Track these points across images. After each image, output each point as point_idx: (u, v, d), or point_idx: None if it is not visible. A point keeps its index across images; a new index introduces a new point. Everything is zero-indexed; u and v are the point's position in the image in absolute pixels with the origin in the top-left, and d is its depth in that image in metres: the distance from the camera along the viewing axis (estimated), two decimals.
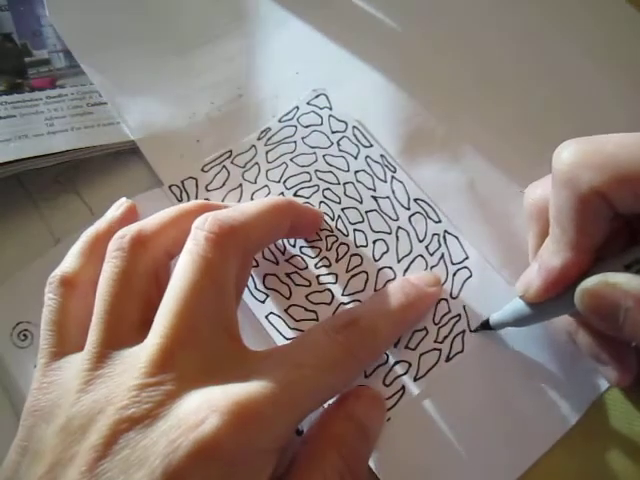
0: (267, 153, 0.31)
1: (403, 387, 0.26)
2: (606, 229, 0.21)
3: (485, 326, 0.26)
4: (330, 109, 0.32)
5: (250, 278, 0.28)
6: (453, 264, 0.28)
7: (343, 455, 0.22)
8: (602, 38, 0.34)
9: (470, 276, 0.28)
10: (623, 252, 0.21)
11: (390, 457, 0.25)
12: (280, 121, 0.32)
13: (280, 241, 0.29)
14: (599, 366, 0.25)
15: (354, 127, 0.31)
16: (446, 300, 0.27)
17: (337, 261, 0.28)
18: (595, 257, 0.21)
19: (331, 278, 0.28)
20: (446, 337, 0.27)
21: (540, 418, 0.25)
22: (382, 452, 0.25)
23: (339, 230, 0.29)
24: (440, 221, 0.29)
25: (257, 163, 0.31)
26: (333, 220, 0.29)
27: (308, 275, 0.28)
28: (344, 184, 0.30)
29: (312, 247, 0.29)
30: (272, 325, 0.27)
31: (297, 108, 0.32)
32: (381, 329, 0.24)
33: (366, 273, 0.28)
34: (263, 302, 0.28)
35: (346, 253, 0.28)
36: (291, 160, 0.31)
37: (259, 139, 0.31)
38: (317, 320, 0.27)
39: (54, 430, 0.20)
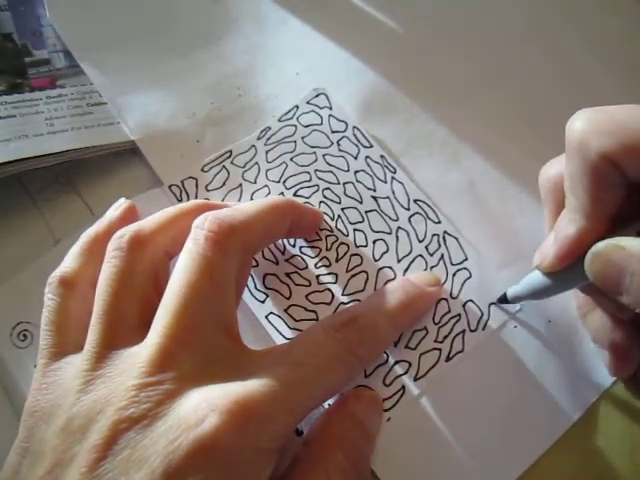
0: (267, 153, 0.31)
1: (403, 387, 0.26)
2: (619, 196, 0.21)
3: (503, 300, 0.26)
4: (330, 109, 0.32)
5: (250, 278, 0.28)
6: (453, 265, 0.28)
7: (347, 455, 0.22)
8: (607, 35, 0.34)
9: (470, 277, 0.28)
10: (637, 219, 0.21)
11: (390, 457, 0.25)
12: (280, 120, 0.32)
13: (280, 241, 0.29)
14: (602, 352, 0.26)
15: (354, 127, 0.31)
16: (446, 300, 0.27)
17: (337, 261, 0.28)
18: (610, 226, 0.21)
19: (331, 278, 0.28)
20: (446, 337, 0.27)
21: (540, 417, 0.25)
22: (382, 452, 0.25)
23: (339, 230, 0.29)
24: (440, 222, 0.29)
25: (257, 163, 0.31)
26: (333, 220, 0.29)
27: (308, 275, 0.28)
28: (344, 184, 0.30)
29: (312, 247, 0.29)
30: (272, 325, 0.27)
31: (297, 107, 0.32)
32: (381, 327, 0.24)
33: (366, 273, 0.28)
34: (263, 302, 0.28)
35: (346, 253, 0.28)
36: (291, 160, 0.31)
37: (259, 139, 0.31)
38: (317, 320, 0.27)
39: (54, 431, 0.20)
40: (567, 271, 0.22)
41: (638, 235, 0.20)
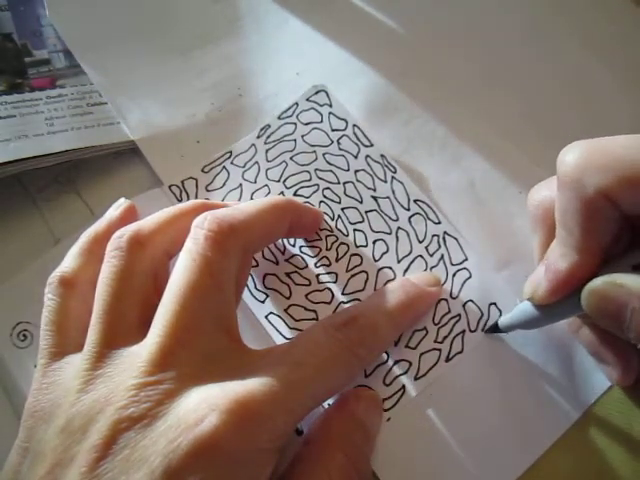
0: (267, 152, 0.31)
1: (403, 387, 0.26)
2: (613, 231, 0.21)
3: (495, 329, 0.26)
4: (330, 106, 0.32)
5: (250, 278, 0.28)
6: (453, 265, 0.28)
7: (348, 455, 0.22)
8: (606, 37, 0.34)
9: (469, 277, 0.28)
10: (630, 252, 0.21)
11: (390, 457, 0.25)
12: (279, 118, 0.32)
13: (280, 241, 0.29)
14: (601, 365, 0.26)
15: (354, 125, 0.31)
16: (446, 300, 0.27)
17: (337, 261, 0.28)
18: (602, 259, 0.21)
19: (331, 277, 0.28)
20: (446, 337, 0.27)
21: (539, 418, 0.25)
22: (382, 452, 0.25)
23: (339, 230, 0.29)
24: (440, 222, 0.29)
25: (257, 162, 0.31)
26: (333, 220, 0.29)
27: (308, 274, 0.28)
28: (344, 183, 0.30)
29: (312, 247, 0.29)
30: (272, 325, 0.27)
31: (297, 105, 0.32)
32: (381, 327, 0.24)
33: (366, 273, 0.28)
34: (263, 302, 0.28)
35: (346, 253, 0.28)
36: (291, 159, 0.31)
37: (258, 137, 0.31)
38: (317, 320, 0.27)
39: (54, 431, 0.20)
40: (559, 304, 0.22)
41: (633, 270, 0.20)
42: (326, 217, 0.29)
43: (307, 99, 0.32)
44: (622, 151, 0.19)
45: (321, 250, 0.29)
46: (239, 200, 0.30)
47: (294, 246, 0.29)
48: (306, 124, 0.31)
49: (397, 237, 0.29)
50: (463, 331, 0.27)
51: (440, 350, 0.26)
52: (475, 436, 0.25)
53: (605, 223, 0.20)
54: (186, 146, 0.31)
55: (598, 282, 0.20)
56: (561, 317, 0.24)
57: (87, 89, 0.33)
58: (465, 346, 0.26)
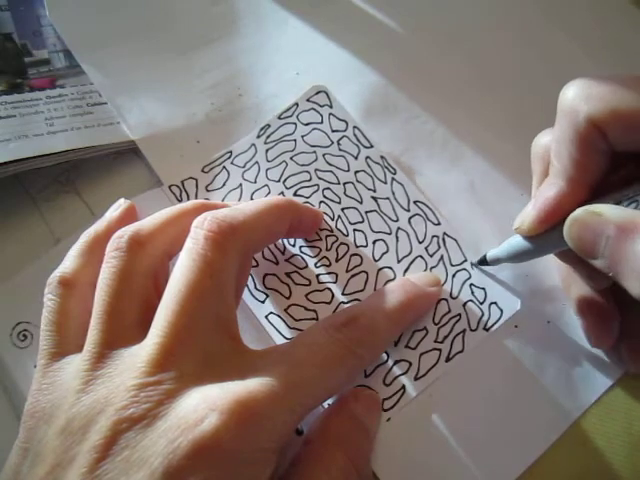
0: (267, 151, 0.31)
1: (403, 387, 0.26)
2: (601, 165, 0.21)
3: (483, 262, 0.27)
4: (330, 107, 0.32)
5: (250, 278, 0.28)
6: (452, 265, 0.28)
7: (348, 454, 0.22)
8: (604, 37, 0.34)
9: (469, 277, 0.28)
10: (616, 190, 0.21)
11: (390, 457, 0.25)
12: (279, 118, 0.32)
13: (280, 241, 0.29)
14: (582, 325, 0.26)
15: (354, 127, 0.31)
16: (446, 300, 0.27)
17: (337, 261, 0.28)
18: (590, 195, 0.22)
19: (331, 277, 0.28)
20: (446, 337, 0.27)
21: (539, 417, 0.25)
22: (382, 452, 0.25)
23: (339, 230, 0.29)
24: (439, 223, 0.29)
25: (257, 162, 0.31)
26: (333, 220, 0.29)
27: (308, 274, 0.28)
28: (344, 184, 0.30)
29: (312, 247, 0.29)
30: (272, 325, 0.27)
31: (297, 105, 0.32)
32: (381, 327, 0.24)
33: (366, 273, 0.28)
34: (263, 302, 0.28)
35: (346, 253, 0.28)
36: (291, 159, 0.31)
37: (258, 137, 0.31)
38: (317, 319, 0.27)
39: (54, 431, 0.20)
40: (546, 235, 0.23)
41: (615, 204, 0.20)
42: (326, 217, 0.29)
43: (307, 99, 0.32)
44: (616, 85, 0.20)
45: (321, 250, 0.29)
46: (239, 200, 0.30)
47: (294, 246, 0.29)
48: (306, 124, 0.31)
49: (397, 237, 0.29)
50: (464, 330, 0.27)
51: (440, 350, 0.26)
52: (475, 436, 0.25)
53: (594, 154, 0.21)
54: (186, 146, 0.31)
55: (579, 211, 0.20)
56: (547, 250, 0.24)
57: (87, 89, 0.33)
58: (466, 346, 0.26)
